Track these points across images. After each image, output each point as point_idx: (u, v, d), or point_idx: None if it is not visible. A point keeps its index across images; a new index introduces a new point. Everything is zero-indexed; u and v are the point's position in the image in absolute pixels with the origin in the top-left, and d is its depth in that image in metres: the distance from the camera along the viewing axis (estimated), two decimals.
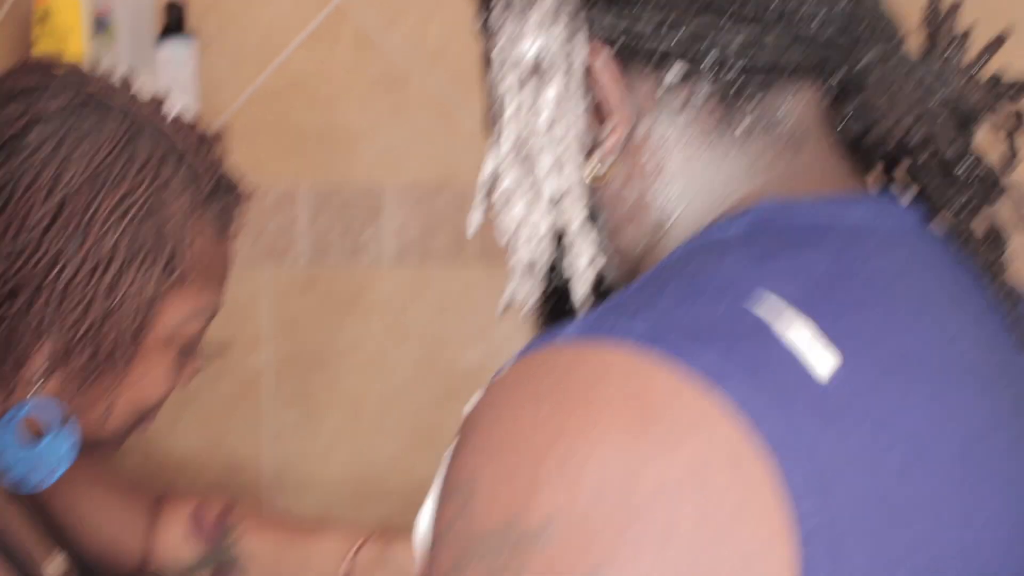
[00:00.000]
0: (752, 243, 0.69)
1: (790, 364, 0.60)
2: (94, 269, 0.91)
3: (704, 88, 0.74)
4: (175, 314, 0.97)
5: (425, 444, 2.05)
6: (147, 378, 0.98)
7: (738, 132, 0.74)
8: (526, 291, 0.81)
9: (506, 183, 0.79)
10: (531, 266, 0.80)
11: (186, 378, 1.06)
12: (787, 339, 0.61)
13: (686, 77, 0.74)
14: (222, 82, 2.02)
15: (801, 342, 0.61)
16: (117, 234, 0.91)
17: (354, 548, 1.19)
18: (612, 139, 0.75)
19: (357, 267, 2.06)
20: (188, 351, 1.03)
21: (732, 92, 0.73)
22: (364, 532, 1.22)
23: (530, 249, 0.79)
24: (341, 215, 2.06)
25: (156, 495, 1.32)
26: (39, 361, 0.92)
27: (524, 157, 0.77)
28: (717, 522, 0.55)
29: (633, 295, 0.66)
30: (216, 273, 1.01)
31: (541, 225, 0.78)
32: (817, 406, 0.59)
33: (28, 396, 0.94)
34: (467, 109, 2.01)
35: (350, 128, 2.05)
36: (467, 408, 0.65)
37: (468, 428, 0.63)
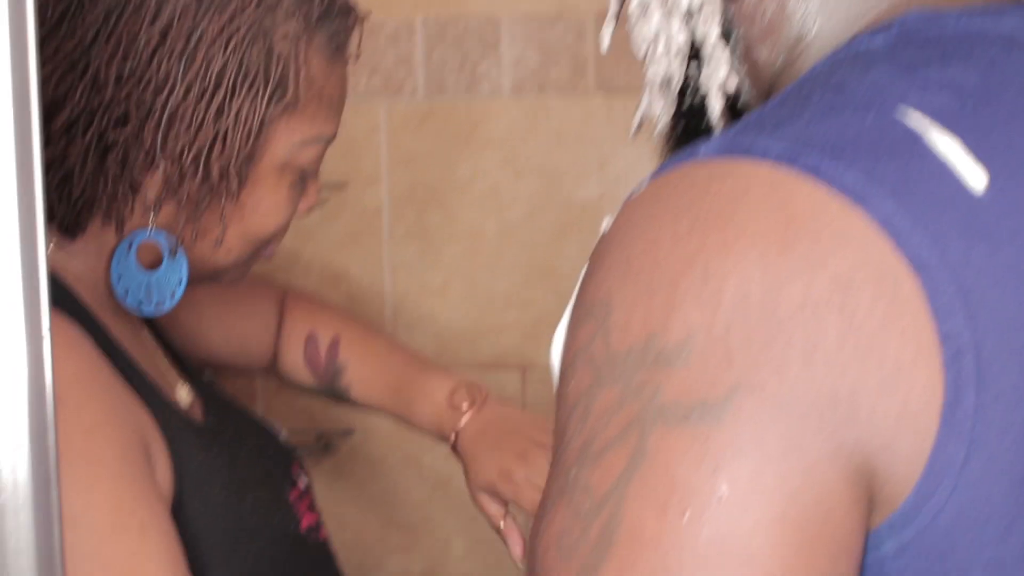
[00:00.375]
0: (899, 55, 0.65)
1: (940, 176, 0.58)
2: (202, 93, 0.92)
3: None
4: (288, 140, 0.97)
5: (542, 279, 2.06)
6: (262, 206, 0.99)
7: None
8: (660, 108, 0.78)
9: None
10: (667, 81, 0.77)
11: (304, 208, 1.06)
12: (938, 151, 0.59)
13: None
14: None
15: (952, 154, 0.59)
16: (224, 58, 0.92)
17: (461, 420, 1.20)
18: None
19: (474, 100, 2.04)
20: (304, 180, 1.03)
21: None
22: (466, 393, 1.23)
23: (666, 63, 0.76)
24: (457, 47, 2.03)
25: (280, 292, 1.34)
26: (153, 187, 0.94)
27: None
28: (861, 340, 0.54)
29: (774, 109, 0.64)
30: (330, 98, 1.00)
31: (678, 38, 0.75)
32: (967, 221, 0.57)
33: (146, 224, 0.96)
34: None
35: None
36: (604, 226, 0.64)
37: (604, 247, 0.62)
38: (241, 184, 0.95)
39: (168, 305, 0.99)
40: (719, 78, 0.74)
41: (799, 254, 0.55)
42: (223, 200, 0.96)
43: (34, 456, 0.59)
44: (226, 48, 0.92)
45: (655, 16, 0.75)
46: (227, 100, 0.93)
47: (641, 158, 2.00)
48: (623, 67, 2.00)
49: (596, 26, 2.00)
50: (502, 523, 1.18)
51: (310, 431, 2.14)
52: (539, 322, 2.07)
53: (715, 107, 0.76)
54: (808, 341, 0.54)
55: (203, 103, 0.92)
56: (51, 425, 0.59)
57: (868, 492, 0.55)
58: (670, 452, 0.54)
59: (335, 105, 1.02)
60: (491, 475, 1.17)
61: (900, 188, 0.57)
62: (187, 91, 0.92)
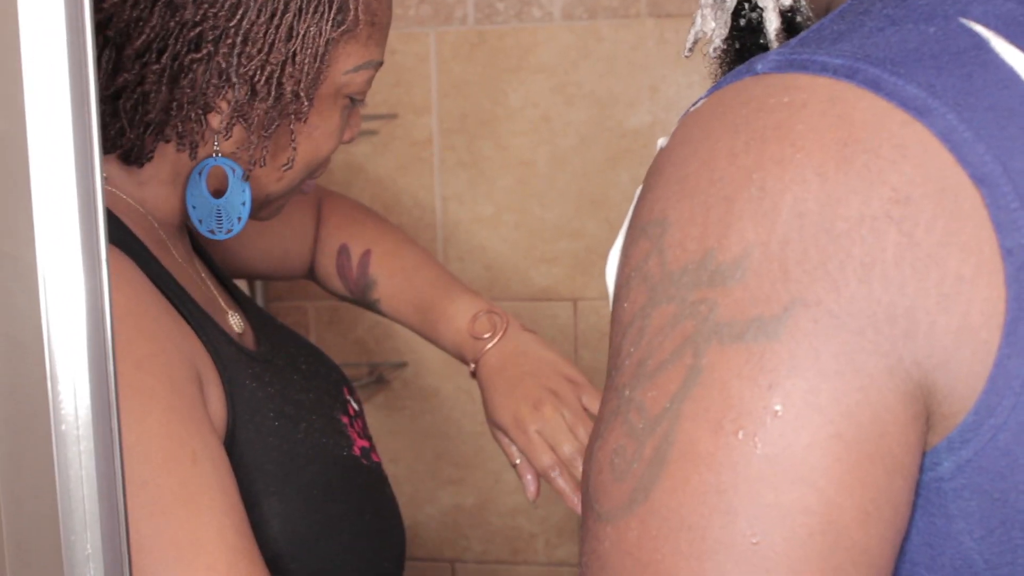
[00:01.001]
0: None
1: (1006, 85, 0.56)
2: (272, 15, 0.95)
3: None
4: (346, 63, 1.00)
5: (593, 207, 2.04)
6: (320, 129, 1.02)
7: None
8: (713, 26, 0.76)
9: None
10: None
11: (348, 137, 1.08)
12: (1003, 59, 0.57)
13: None
14: None
15: (1018, 63, 0.57)
16: None
17: (480, 351, 1.22)
18: None
19: (524, 26, 2.01)
20: (354, 105, 1.05)
21: None
22: (487, 322, 1.24)
23: None
24: None
25: (316, 199, 1.36)
26: (224, 111, 0.96)
27: None
28: (920, 255, 0.53)
29: (833, 23, 0.62)
30: (381, 24, 1.04)
31: None
32: None
33: (215, 148, 0.98)
34: None
35: None
36: (660, 144, 0.63)
37: (660, 164, 0.61)
38: (309, 105, 0.98)
39: (236, 230, 1.01)
40: None
41: (857, 169, 0.54)
42: (292, 122, 0.98)
43: (94, 386, 0.58)
44: None
45: None
46: (295, 22, 0.95)
47: (693, 84, 1.97)
48: None
49: None
50: (517, 460, 1.20)
51: (363, 364, 2.15)
52: (590, 252, 2.05)
53: (771, 24, 0.74)
54: (866, 256, 0.53)
55: (273, 25, 0.95)
56: (110, 355, 0.59)
57: (925, 410, 0.54)
58: (725, 370, 0.54)
59: (385, 30, 1.05)
60: (506, 420, 1.20)
61: (962, 100, 0.55)
62: (259, 13, 0.94)
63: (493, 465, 2.14)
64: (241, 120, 0.97)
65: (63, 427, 0.58)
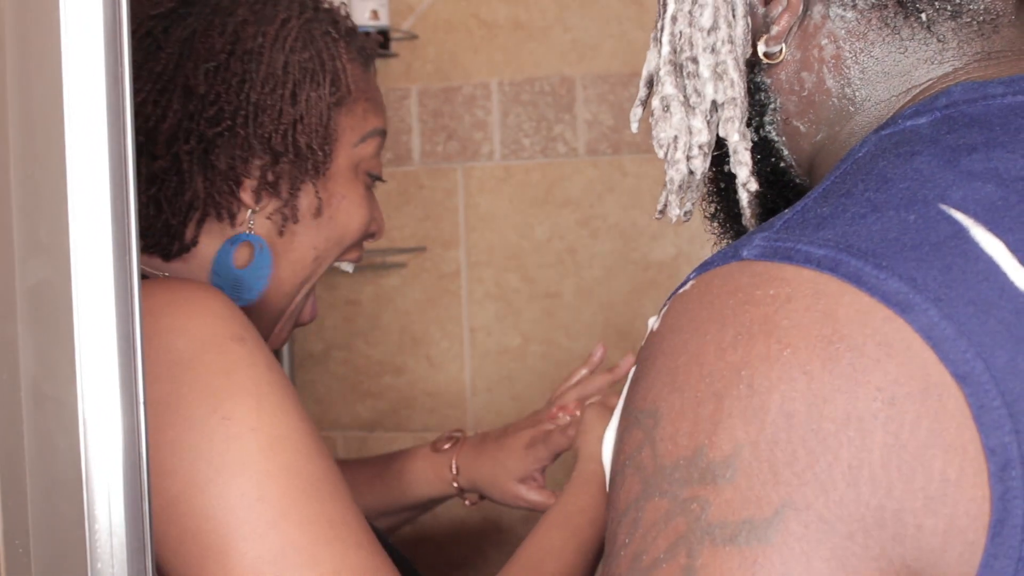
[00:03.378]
0: (942, 139, 0.64)
1: (986, 276, 0.56)
2: (275, 85, 1.02)
3: None
4: (352, 136, 1.07)
5: (619, 338, 2.05)
6: (346, 200, 1.07)
7: (922, 19, 0.69)
8: (677, 211, 0.78)
9: (665, 89, 0.75)
10: (685, 185, 0.76)
11: (376, 225, 1.14)
12: (982, 248, 0.57)
13: None
14: None
15: (997, 253, 0.57)
16: (285, 55, 1.03)
17: (452, 458, 1.29)
18: (783, 21, 0.72)
19: (549, 161, 2.05)
20: (371, 182, 1.12)
21: None
22: (443, 436, 1.33)
23: (684, 166, 0.75)
24: (533, 109, 2.05)
25: None
26: (255, 176, 1.02)
27: (684, 61, 0.74)
28: (906, 457, 0.54)
29: (816, 205, 0.63)
30: (373, 98, 1.11)
31: (700, 136, 0.74)
32: (1013, 323, 0.55)
33: (249, 225, 1.04)
34: None
35: (540, 19, 2.03)
36: (651, 324, 0.64)
37: (651, 351, 0.62)
38: (326, 158, 1.04)
39: (247, 299, 1.05)
40: (741, 178, 0.74)
41: (843, 367, 0.55)
42: (314, 178, 1.04)
43: (130, 526, 0.59)
44: (284, 47, 1.03)
45: (676, 115, 0.75)
46: (297, 90, 1.03)
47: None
48: None
49: None
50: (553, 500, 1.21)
51: None
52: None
53: (743, 202, 0.76)
54: (853, 459, 0.54)
55: (278, 92, 1.02)
56: (146, 495, 0.60)
57: None
58: (719, 573, 0.54)
59: (379, 104, 1.12)
60: (517, 463, 1.24)
61: (943, 293, 0.56)
62: (263, 84, 1.02)
63: None
64: (268, 188, 1.03)
65: (99, 565, 0.59)
